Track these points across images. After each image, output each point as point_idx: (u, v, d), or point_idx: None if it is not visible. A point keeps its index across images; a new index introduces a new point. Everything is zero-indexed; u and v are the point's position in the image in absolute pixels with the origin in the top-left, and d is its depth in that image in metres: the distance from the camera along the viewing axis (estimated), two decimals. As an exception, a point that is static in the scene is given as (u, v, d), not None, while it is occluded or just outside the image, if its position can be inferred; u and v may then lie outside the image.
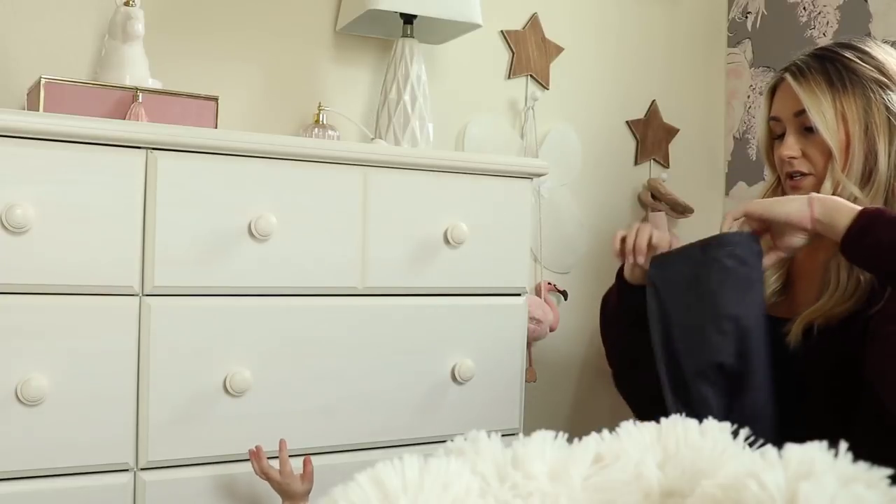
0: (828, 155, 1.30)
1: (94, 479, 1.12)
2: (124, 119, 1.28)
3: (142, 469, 1.16)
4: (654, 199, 2.10)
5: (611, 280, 2.16)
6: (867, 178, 1.29)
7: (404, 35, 1.66)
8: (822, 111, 1.29)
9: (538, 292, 1.92)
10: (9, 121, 1.06)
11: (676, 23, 2.19)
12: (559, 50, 2.00)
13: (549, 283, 1.94)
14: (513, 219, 1.44)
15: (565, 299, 1.96)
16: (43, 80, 1.26)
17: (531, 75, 1.97)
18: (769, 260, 1.27)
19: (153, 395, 1.15)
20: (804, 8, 2.05)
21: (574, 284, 2.00)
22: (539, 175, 1.47)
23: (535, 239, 1.92)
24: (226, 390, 1.19)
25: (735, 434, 0.65)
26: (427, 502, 0.54)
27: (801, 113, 1.32)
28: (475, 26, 1.68)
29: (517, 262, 1.45)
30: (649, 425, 0.67)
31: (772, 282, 1.39)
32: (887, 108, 1.29)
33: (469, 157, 1.48)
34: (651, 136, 2.14)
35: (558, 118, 2.01)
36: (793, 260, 1.40)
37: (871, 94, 1.29)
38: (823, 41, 1.99)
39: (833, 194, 1.27)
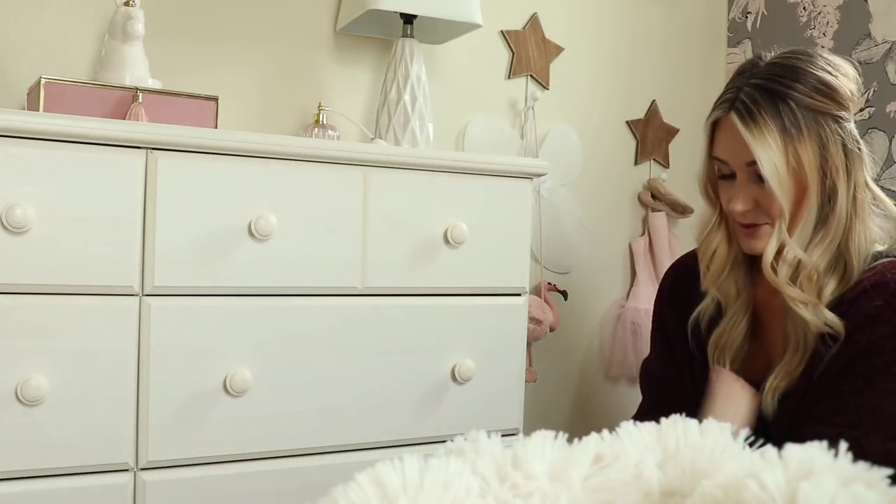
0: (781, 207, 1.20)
1: (94, 479, 1.12)
2: (124, 119, 1.28)
3: (142, 469, 1.15)
4: (654, 199, 2.10)
5: (610, 278, 2.16)
6: (823, 222, 1.21)
7: (404, 35, 1.66)
8: (775, 164, 1.18)
9: (538, 292, 1.92)
10: (9, 121, 1.06)
11: (676, 23, 2.19)
12: (559, 50, 2.00)
13: (549, 283, 1.94)
14: (513, 219, 1.44)
15: (565, 299, 1.96)
16: (43, 80, 1.26)
17: (531, 75, 1.97)
18: None
19: (153, 395, 1.15)
20: (804, 8, 2.05)
21: (574, 284, 2.00)
22: (539, 175, 1.47)
23: (535, 239, 1.92)
24: (226, 390, 1.19)
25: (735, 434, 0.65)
26: (427, 502, 0.54)
27: (753, 163, 1.21)
28: (475, 26, 1.68)
29: (517, 262, 1.45)
30: (649, 425, 0.67)
31: (741, 328, 1.32)
32: (844, 144, 1.20)
33: (469, 157, 1.48)
34: (651, 136, 2.14)
35: (558, 118, 2.01)
36: (755, 300, 1.34)
37: (828, 133, 1.19)
38: (823, 41, 1.99)
39: (777, 253, 1.21)
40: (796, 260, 1.21)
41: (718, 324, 1.35)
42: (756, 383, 1.29)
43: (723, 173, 1.30)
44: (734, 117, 1.22)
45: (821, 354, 1.20)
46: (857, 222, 1.22)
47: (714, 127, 1.29)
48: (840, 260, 1.22)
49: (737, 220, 1.29)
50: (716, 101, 1.29)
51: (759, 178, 1.22)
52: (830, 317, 1.19)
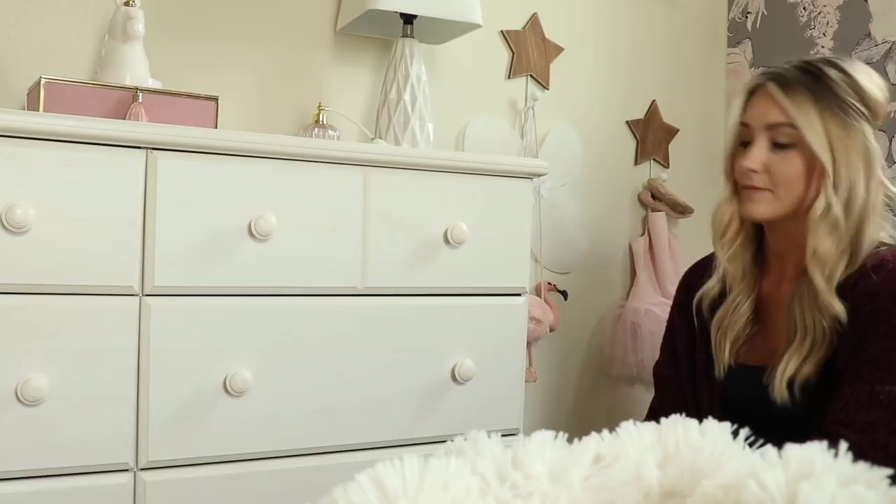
0: (795, 173, 1.26)
1: (94, 479, 1.12)
2: (124, 119, 1.28)
3: (142, 469, 1.15)
4: (654, 199, 2.10)
5: (610, 278, 2.15)
6: (847, 207, 1.25)
7: (404, 35, 1.66)
8: (811, 124, 1.25)
9: (538, 292, 1.92)
10: (9, 121, 1.06)
11: (676, 23, 2.19)
12: (559, 50, 2.00)
13: (549, 283, 1.94)
14: (513, 219, 1.44)
15: (565, 299, 1.96)
16: (43, 80, 1.26)
17: (531, 75, 1.97)
18: None
19: (153, 395, 1.15)
20: (804, 8, 2.05)
21: (574, 284, 2.00)
22: (539, 175, 1.47)
23: (535, 239, 1.92)
24: (226, 390, 1.19)
25: (735, 434, 0.65)
26: (427, 502, 0.54)
27: (776, 126, 1.28)
28: (475, 26, 1.68)
29: (517, 262, 1.45)
30: (649, 425, 0.67)
31: (743, 311, 1.37)
32: (865, 138, 1.27)
33: (469, 157, 1.48)
34: (651, 136, 2.14)
35: (558, 118, 2.01)
36: (760, 291, 1.39)
37: (854, 122, 1.26)
38: (823, 41, 1.99)
39: (823, 214, 1.24)
40: (836, 222, 1.24)
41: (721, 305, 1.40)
42: (760, 369, 1.32)
43: (743, 140, 1.34)
44: (771, 84, 1.29)
45: (838, 347, 1.24)
46: (872, 215, 1.27)
47: (748, 96, 1.34)
48: (854, 246, 1.27)
49: (741, 182, 1.33)
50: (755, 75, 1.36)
51: (775, 146, 1.28)
52: (836, 303, 1.23)
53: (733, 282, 1.38)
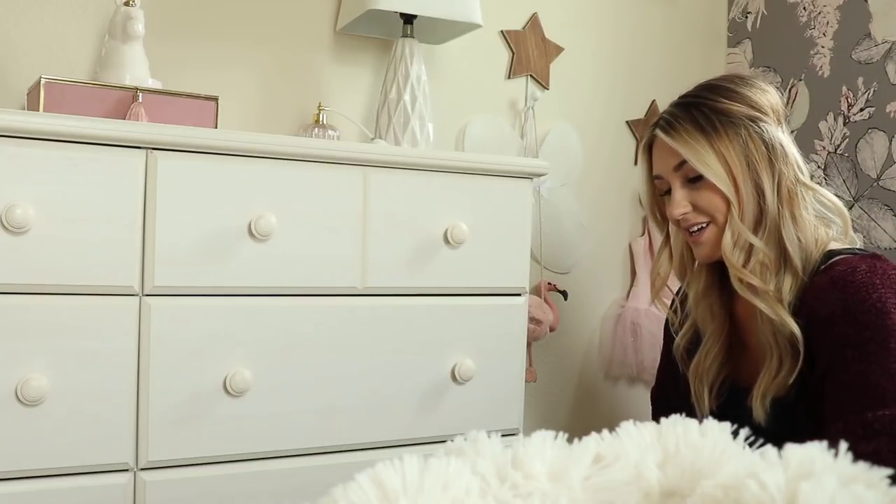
0: (719, 200, 1.27)
1: (94, 479, 1.12)
2: (124, 119, 1.28)
3: (142, 469, 1.15)
4: (654, 199, 2.10)
5: (610, 278, 2.15)
6: (759, 218, 1.26)
7: (404, 35, 1.66)
8: (704, 160, 1.26)
9: (538, 292, 1.92)
10: (9, 121, 1.06)
11: (676, 23, 2.19)
12: (559, 50, 2.00)
13: (549, 283, 1.94)
14: (513, 219, 1.44)
15: (565, 299, 1.96)
16: (43, 80, 1.26)
17: (531, 75, 1.97)
18: None
19: (153, 395, 1.15)
20: (804, 8, 2.05)
21: (574, 284, 2.00)
22: (539, 175, 1.47)
23: (535, 239, 1.92)
24: (226, 390, 1.19)
25: (735, 434, 0.65)
26: (427, 502, 0.54)
27: (680, 166, 1.30)
28: (475, 26, 1.68)
29: (517, 262, 1.45)
30: (649, 425, 0.67)
31: (715, 355, 1.37)
32: (763, 140, 1.27)
33: (469, 157, 1.48)
34: (651, 136, 2.14)
35: (558, 118, 2.01)
36: (735, 314, 1.39)
37: (745, 130, 1.26)
38: (823, 41, 1.99)
39: (734, 245, 1.25)
40: (747, 244, 1.26)
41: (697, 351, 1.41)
42: (746, 389, 1.31)
43: (662, 190, 1.38)
44: (658, 132, 1.33)
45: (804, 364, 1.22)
46: (789, 214, 1.26)
47: (648, 152, 1.39)
48: (784, 254, 1.25)
49: (682, 230, 1.35)
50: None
51: (688, 181, 1.31)
52: (790, 321, 1.22)
53: (704, 326, 1.39)
